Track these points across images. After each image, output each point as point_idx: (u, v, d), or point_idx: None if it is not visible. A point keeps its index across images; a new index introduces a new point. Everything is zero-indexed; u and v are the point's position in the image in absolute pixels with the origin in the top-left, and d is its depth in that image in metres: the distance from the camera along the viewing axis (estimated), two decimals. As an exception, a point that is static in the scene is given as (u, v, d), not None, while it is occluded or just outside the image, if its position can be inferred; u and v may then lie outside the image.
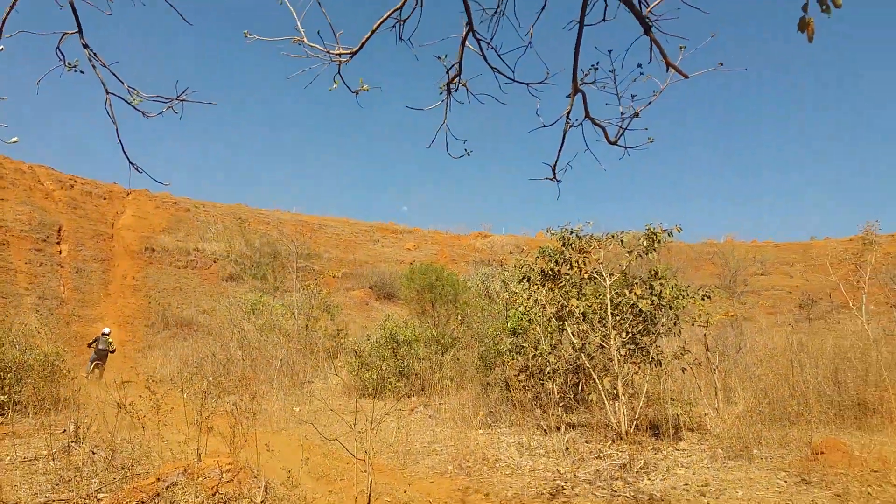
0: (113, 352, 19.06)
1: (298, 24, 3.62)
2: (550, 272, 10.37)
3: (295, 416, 11.26)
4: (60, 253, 27.21)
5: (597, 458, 8.28)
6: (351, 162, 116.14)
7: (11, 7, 3.24)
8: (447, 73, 4.27)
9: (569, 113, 4.02)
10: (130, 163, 3.65)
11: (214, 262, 32.34)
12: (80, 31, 3.40)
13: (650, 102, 3.87)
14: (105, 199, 32.83)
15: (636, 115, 3.89)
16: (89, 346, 18.96)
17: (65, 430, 8.68)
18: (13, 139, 3.56)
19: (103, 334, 18.87)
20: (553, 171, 4.28)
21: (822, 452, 6.94)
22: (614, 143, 4.02)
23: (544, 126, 4.19)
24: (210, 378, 10.77)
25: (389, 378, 13.69)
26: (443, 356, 14.68)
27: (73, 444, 8.12)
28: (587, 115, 4.03)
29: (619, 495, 6.83)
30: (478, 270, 28.26)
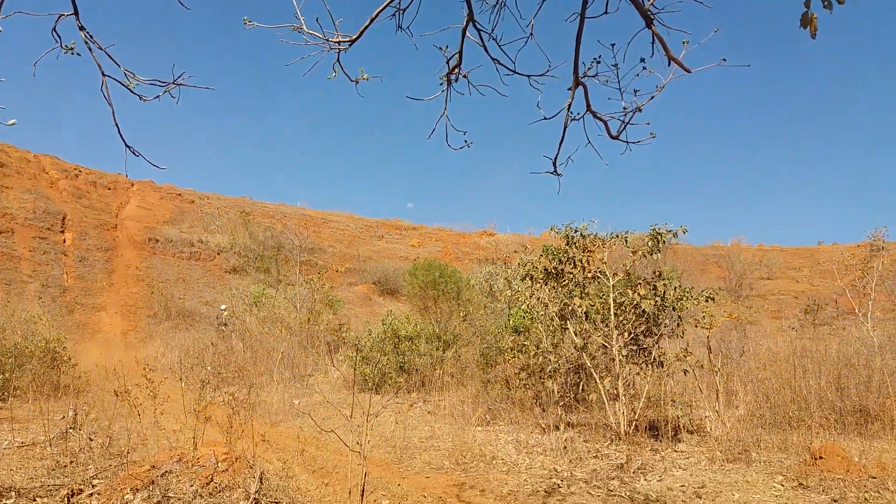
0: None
1: (298, 11, 3.59)
2: (554, 271, 10.32)
3: (293, 408, 11.23)
4: (64, 242, 27.27)
5: (594, 457, 8.23)
6: (357, 157, 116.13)
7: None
8: (447, 63, 4.22)
9: (570, 106, 3.96)
10: (126, 145, 3.59)
11: (218, 254, 32.36)
12: (76, 13, 3.36)
13: (653, 97, 3.82)
14: (110, 189, 32.89)
15: (638, 109, 3.84)
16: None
17: (63, 417, 8.68)
18: (11, 121, 3.53)
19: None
20: (554, 164, 4.22)
21: (821, 457, 6.87)
22: (616, 138, 3.96)
23: (545, 118, 4.13)
24: (209, 368, 10.78)
25: (390, 373, 13.67)
26: (444, 353, 14.63)
27: (70, 430, 8.12)
28: (589, 109, 3.97)
29: (614, 495, 6.78)
30: (482, 268, 28.25)
